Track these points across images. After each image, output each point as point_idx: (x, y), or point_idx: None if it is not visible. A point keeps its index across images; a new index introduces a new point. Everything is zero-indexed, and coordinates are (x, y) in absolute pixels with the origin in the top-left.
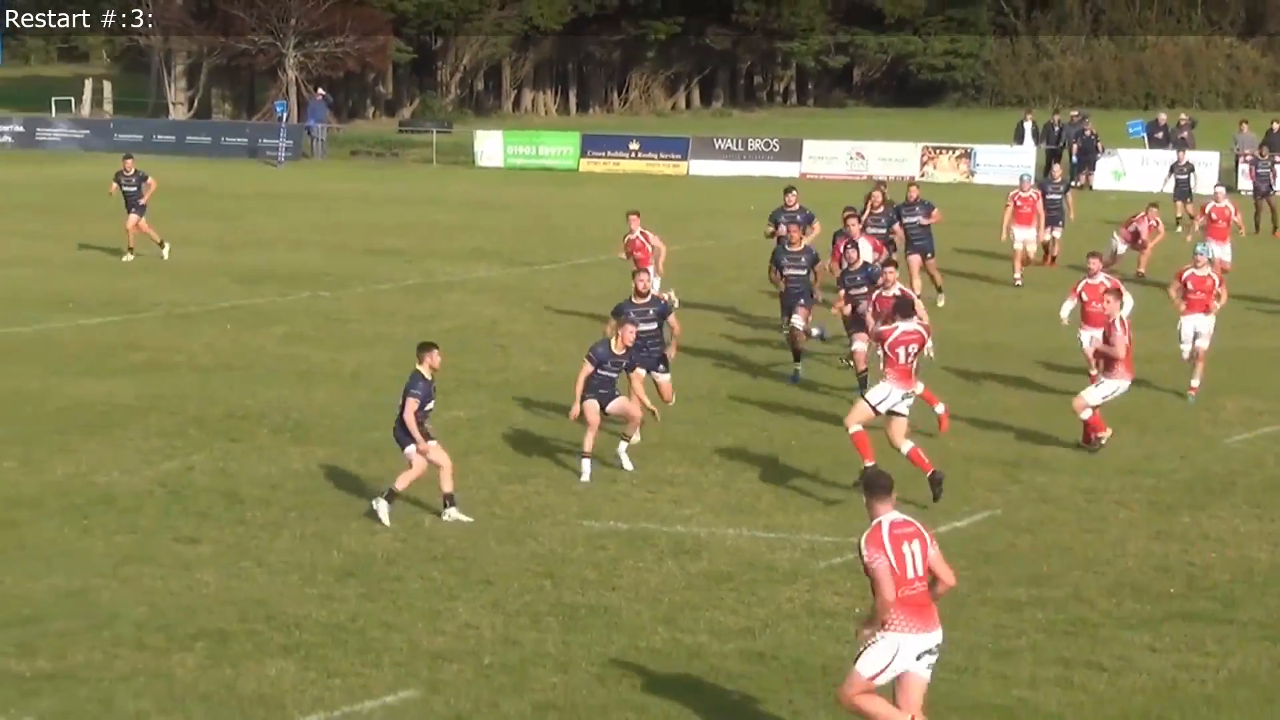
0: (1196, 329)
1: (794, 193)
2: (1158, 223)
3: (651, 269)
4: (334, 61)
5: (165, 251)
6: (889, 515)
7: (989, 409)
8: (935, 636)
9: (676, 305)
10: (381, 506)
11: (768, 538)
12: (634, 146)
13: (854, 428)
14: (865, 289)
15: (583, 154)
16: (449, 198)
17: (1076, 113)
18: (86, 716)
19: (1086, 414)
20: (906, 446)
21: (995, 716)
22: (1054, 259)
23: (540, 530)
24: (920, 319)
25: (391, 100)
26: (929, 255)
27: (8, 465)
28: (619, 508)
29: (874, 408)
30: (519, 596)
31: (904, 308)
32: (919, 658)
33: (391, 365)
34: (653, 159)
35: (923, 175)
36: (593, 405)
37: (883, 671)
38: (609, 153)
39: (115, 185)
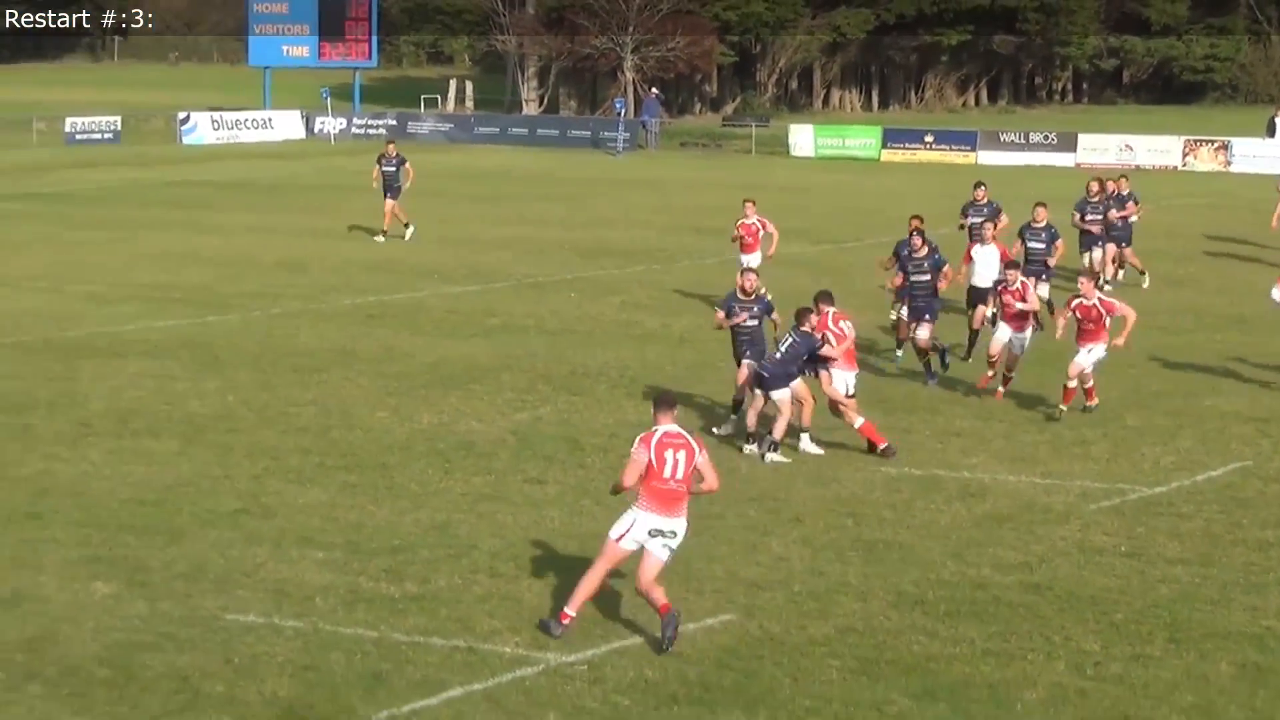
0: None
1: (983, 188)
2: None
3: (759, 253)
4: (666, 64)
5: (409, 233)
6: (665, 426)
7: (1241, 372)
8: (672, 523)
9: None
10: (810, 446)
11: (1044, 483)
12: (929, 139)
13: (857, 421)
14: (928, 276)
15: (884, 145)
16: (766, 184)
17: None
18: (446, 633)
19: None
20: (859, 422)
21: (1246, 644)
22: None
23: (844, 475)
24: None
25: (716, 98)
26: (1123, 245)
27: (381, 415)
28: (913, 455)
29: (844, 397)
30: (825, 533)
31: (800, 313)
32: (653, 535)
33: (715, 330)
34: (945, 150)
35: (1184, 165)
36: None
37: (624, 535)
38: (907, 144)
39: (377, 168)
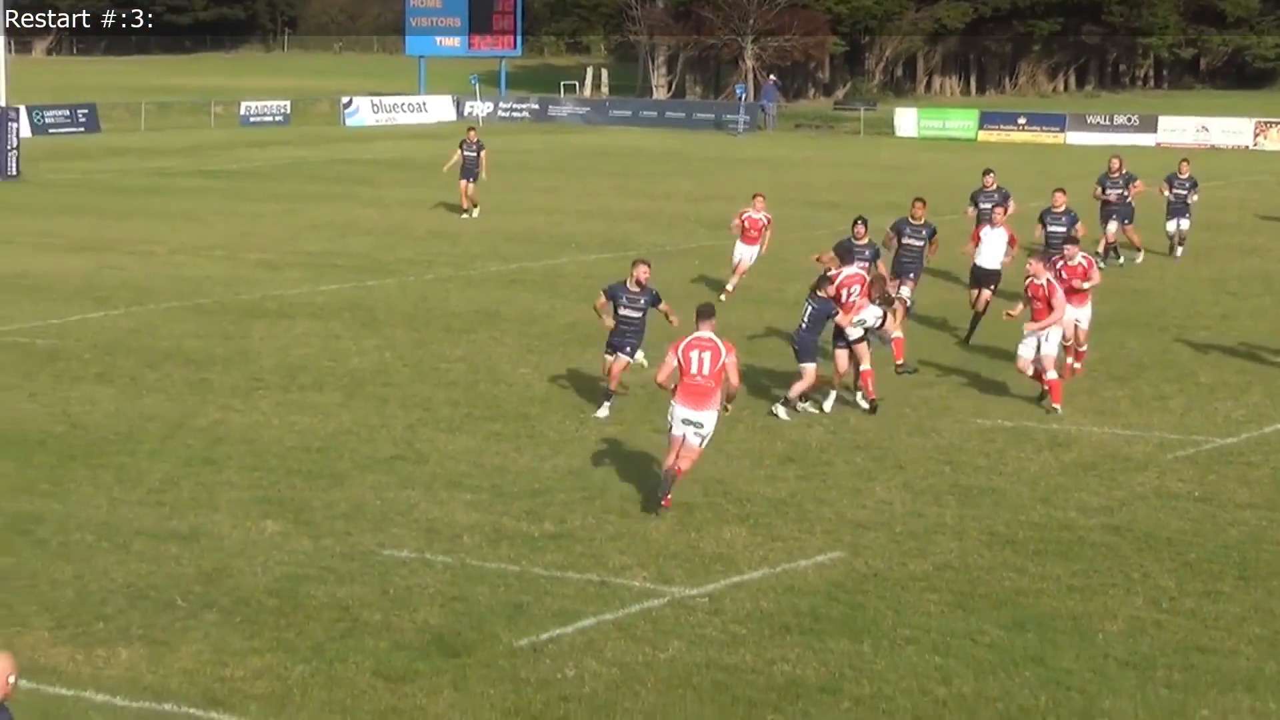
0: None
1: (992, 174)
2: None
3: (758, 247)
4: (783, 53)
5: (475, 213)
6: (699, 332)
7: None
8: (698, 415)
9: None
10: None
11: (1125, 434)
12: (1022, 121)
13: (864, 365)
14: (866, 263)
15: (980, 127)
16: (873, 162)
17: None
18: (580, 567)
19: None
20: (864, 366)
21: None
22: None
23: (942, 426)
24: (860, 266)
25: (828, 83)
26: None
27: (523, 370)
28: (1005, 408)
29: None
30: (924, 479)
31: (844, 254)
32: (685, 424)
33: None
34: (1036, 131)
35: (1255, 145)
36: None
37: (671, 427)
38: (1001, 126)
39: (459, 152)
